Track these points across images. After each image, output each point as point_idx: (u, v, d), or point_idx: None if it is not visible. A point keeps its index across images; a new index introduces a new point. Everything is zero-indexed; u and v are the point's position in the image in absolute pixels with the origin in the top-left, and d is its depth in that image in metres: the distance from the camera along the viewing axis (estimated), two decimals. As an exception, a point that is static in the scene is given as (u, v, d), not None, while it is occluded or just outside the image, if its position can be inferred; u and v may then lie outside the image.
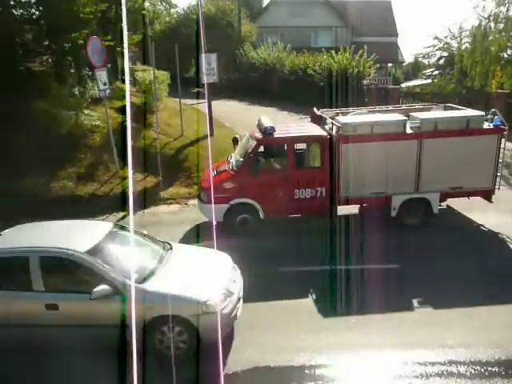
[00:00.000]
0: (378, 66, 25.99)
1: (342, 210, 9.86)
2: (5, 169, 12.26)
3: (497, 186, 9.72)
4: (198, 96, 21.85)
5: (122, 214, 10.99)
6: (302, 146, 10.33)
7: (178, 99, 17.23)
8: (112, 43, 16.61)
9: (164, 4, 39.08)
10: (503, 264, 8.34)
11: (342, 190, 9.50)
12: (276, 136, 9.59)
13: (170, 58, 22.20)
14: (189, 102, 21.85)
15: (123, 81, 20.43)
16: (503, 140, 9.51)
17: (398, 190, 9.53)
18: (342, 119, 9.75)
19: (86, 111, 14.12)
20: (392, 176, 9.37)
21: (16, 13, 15.32)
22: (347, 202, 9.67)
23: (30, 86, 13.90)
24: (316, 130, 10.06)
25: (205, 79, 16.13)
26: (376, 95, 23.38)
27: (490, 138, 9.41)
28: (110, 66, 14.56)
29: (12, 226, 7.09)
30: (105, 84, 12.39)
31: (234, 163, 9.79)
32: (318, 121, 10.58)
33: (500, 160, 9.54)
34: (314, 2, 38.63)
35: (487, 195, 9.87)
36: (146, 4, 31.52)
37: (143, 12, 29.38)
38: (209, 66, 16.04)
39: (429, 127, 9.35)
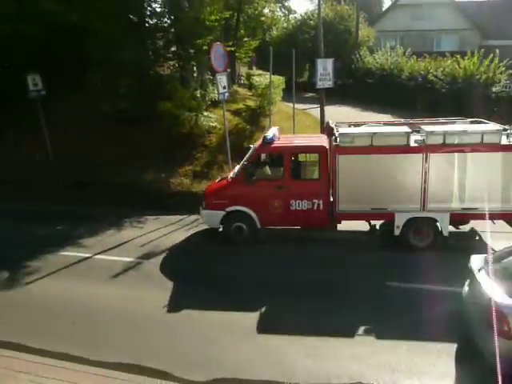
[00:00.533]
0: (510, 72, 23.59)
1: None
2: (134, 164, 13.49)
3: None
4: (312, 101, 21.83)
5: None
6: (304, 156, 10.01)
7: (290, 104, 17.40)
8: (233, 48, 17.33)
9: (283, 10, 39.84)
10: None
11: (339, 203, 8.95)
12: (273, 145, 9.44)
13: (284, 63, 22.59)
14: (301, 106, 21.96)
15: (240, 84, 21.29)
16: None
17: (402, 207, 8.78)
18: (341, 130, 9.16)
19: (206, 113, 14.95)
20: (394, 191, 8.69)
21: (151, 22, 16.74)
22: (346, 216, 9.15)
23: (157, 88, 15.13)
24: (318, 141, 9.58)
25: (319, 84, 16.07)
26: (508, 104, 21.19)
27: (509, 155, 8.26)
28: (229, 70, 15.19)
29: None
30: (224, 88, 12.94)
31: (235, 171, 9.74)
32: (331, 133, 9.58)
33: None
34: (439, 3, 36.41)
35: (509, 219, 8.72)
36: (265, 10, 32.43)
37: (262, 18, 30.27)
38: (324, 71, 15.92)
39: (436, 141, 8.44)
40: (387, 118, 21.41)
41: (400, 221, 8.82)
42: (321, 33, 17.18)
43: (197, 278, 8.14)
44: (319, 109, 17.33)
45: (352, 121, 10.63)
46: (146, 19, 17.04)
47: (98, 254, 9.35)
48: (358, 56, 31.04)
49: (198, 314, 7.00)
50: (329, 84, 15.95)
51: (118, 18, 14.75)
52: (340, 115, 22.02)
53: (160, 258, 9.12)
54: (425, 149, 8.46)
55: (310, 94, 30.20)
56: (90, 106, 15.58)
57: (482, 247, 8.63)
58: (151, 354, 6.06)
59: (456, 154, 8.36)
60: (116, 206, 12.42)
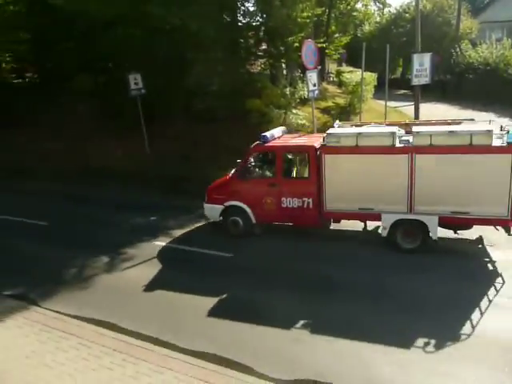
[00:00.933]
0: None
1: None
2: (224, 160, 13.87)
3: None
4: (405, 98, 20.85)
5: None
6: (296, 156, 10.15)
7: (382, 101, 16.79)
8: (324, 45, 17.11)
9: (377, 4, 38.52)
10: None
11: (326, 202, 9.07)
12: (266, 145, 9.70)
13: (376, 59, 21.78)
14: (393, 104, 21.07)
15: (329, 82, 20.94)
16: None
17: (389, 208, 8.65)
18: (330, 130, 9.22)
19: (294, 111, 14.95)
20: (381, 192, 8.59)
21: (243, 21, 17.09)
22: (334, 215, 9.33)
23: (248, 86, 15.41)
24: (310, 141, 9.53)
25: (414, 81, 15.30)
26: None
27: (501, 157, 7.78)
28: (320, 67, 15.02)
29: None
30: (314, 85, 12.82)
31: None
32: None
33: None
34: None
35: (503, 225, 8.25)
36: (358, 5, 31.53)
37: (354, 14, 29.50)
38: (421, 67, 15.12)
39: (422, 141, 8.16)
40: (490, 116, 19.79)
41: (387, 222, 8.72)
42: (418, 26, 16.31)
43: (290, 277, 8.17)
44: (413, 107, 16.48)
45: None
46: (239, 18, 17.44)
47: (189, 246, 9.74)
48: (458, 50, 29.05)
49: (288, 314, 7.01)
50: (425, 80, 15.13)
51: (213, 19, 15.23)
52: (436, 114, 20.81)
53: (252, 253, 9.25)
54: (411, 150, 8.27)
55: (402, 91, 28.93)
56: (184, 103, 16.31)
57: (476, 254, 8.59)
58: (238, 348, 6.18)
59: (444, 155, 8.06)
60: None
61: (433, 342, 6.05)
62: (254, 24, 17.10)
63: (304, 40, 13.48)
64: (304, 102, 15.81)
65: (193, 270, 8.60)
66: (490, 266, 8.21)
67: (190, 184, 13.47)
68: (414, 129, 8.54)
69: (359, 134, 8.60)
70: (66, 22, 16.85)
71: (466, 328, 6.32)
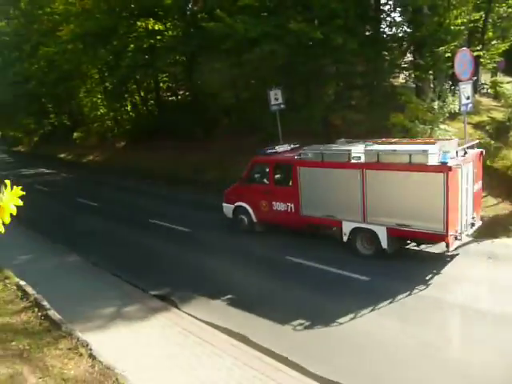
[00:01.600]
0: None
1: None
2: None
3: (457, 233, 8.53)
4: None
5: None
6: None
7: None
8: (481, 53, 15.52)
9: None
10: None
11: (302, 208, 10.42)
12: (263, 157, 11.47)
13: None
14: None
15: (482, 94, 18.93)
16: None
17: (347, 216, 9.63)
18: (309, 147, 10.64)
19: (443, 126, 13.70)
20: (341, 202, 9.66)
21: (388, 32, 16.41)
22: (309, 220, 10.37)
23: (390, 100, 14.67)
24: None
25: None
26: None
27: (435, 176, 8.29)
28: (475, 78, 13.60)
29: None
30: (468, 98, 11.59)
31: None
32: None
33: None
34: None
35: (441, 241, 8.68)
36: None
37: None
38: None
39: (371, 159, 9.13)
40: None
41: (346, 229, 9.70)
42: None
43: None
44: None
45: None
46: (384, 30, 16.80)
47: (322, 264, 9.48)
48: None
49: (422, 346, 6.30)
50: None
51: (356, 32, 14.91)
52: None
53: (390, 277, 8.64)
54: (362, 166, 9.23)
55: None
56: (322, 118, 16.22)
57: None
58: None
59: (387, 171, 8.83)
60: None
61: None
62: (399, 35, 16.29)
63: (457, 49, 12.34)
64: (454, 116, 14.43)
65: (324, 289, 8.29)
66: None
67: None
68: (367, 147, 9.58)
69: (323, 151, 10.03)
70: (215, 43, 18.11)
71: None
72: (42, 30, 28.45)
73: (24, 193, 1.14)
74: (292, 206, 10.74)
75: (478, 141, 10.46)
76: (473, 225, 9.32)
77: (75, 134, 35.13)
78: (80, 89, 33.16)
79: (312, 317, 7.28)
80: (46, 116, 41.43)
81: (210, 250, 10.78)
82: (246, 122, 19.50)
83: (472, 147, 9.53)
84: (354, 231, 9.58)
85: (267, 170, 11.39)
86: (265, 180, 11.55)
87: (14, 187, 1.12)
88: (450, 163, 8.29)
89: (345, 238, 9.72)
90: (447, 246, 8.58)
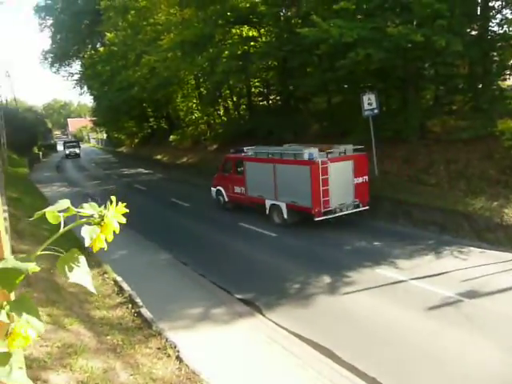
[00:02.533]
0: None
1: None
2: (460, 186, 12.44)
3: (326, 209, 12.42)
4: None
5: None
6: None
7: None
8: None
9: None
10: None
11: (247, 191, 15.03)
12: (230, 155, 16.37)
13: None
14: None
15: None
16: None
17: (268, 196, 14.02)
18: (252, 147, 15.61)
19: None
20: (264, 186, 14.00)
21: (498, 31, 15.03)
22: (252, 199, 14.84)
23: (498, 105, 13.44)
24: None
25: None
26: None
27: (305, 167, 12.46)
28: None
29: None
30: None
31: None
32: None
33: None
34: None
35: (310, 213, 12.44)
36: None
37: None
38: None
39: (278, 156, 13.72)
40: None
41: (267, 205, 13.99)
42: None
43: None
44: None
45: None
46: (492, 29, 15.41)
47: (413, 279, 8.91)
48: None
49: None
50: None
51: (461, 32, 13.86)
52: None
53: (484, 300, 7.89)
54: (273, 161, 13.68)
55: None
56: (418, 123, 15.36)
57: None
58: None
59: (285, 165, 13.25)
60: (436, 230, 11.78)
61: None
62: (511, 33, 14.82)
63: None
64: None
65: (420, 309, 7.74)
66: None
67: (420, 211, 12.52)
68: (278, 149, 14.32)
69: (257, 150, 14.90)
70: (308, 48, 17.98)
71: None
72: (146, 40, 30.42)
73: (128, 210, 1.10)
74: (243, 189, 15.23)
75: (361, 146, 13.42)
76: (356, 206, 13.09)
77: (171, 137, 37.06)
78: (177, 94, 34.94)
79: (407, 339, 6.83)
80: (146, 120, 44.31)
81: (296, 257, 10.67)
82: (337, 127, 19.10)
83: (358, 150, 13.31)
84: (271, 207, 13.90)
85: (232, 163, 16.04)
86: (231, 171, 16.02)
87: (119, 204, 1.09)
88: (316, 160, 12.30)
89: (267, 212, 14.08)
90: (314, 216, 12.41)
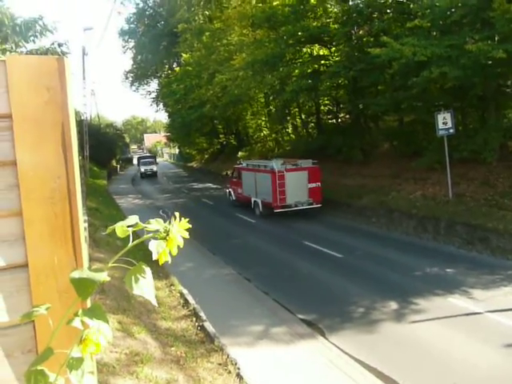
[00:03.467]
0: None
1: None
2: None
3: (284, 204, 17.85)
4: None
5: None
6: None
7: None
8: None
9: None
10: None
11: (243, 191, 20.67)
12: (236, 166, 22.64)
13: None
14: None
15: None
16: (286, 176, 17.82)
17: (252, 195, 19.54)
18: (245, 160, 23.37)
19: None
20: (250, 188, 19.68)
21: None
22: (246, 198, 20.24)
23: None
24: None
25: None
26: None
27: (268, 175, 18.13)
28: None
29: None
30: None
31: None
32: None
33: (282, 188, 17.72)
34: None
35: (272, 206, 17.89)
36: None
37: None
38: None
39: (257, 167, 19.84)
40: None
41: (252, 201, 19.61)
42: None
43: None
44: None
45: None
46: None
47: (490, 311, 8.27)
48: None
49: None
50: None
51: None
52: None
53: None
54: (255, 170, 19.69)
55: None
56: (500, 143, 14.46)
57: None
58: None
59: (260, 173, 19.10)
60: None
61: None
62: None
63: None
64: None
65: (498, 345, 7.15)
66: None
67: (498, 237, 11.68)
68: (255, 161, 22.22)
69: (248, 162, 22.01)
70: (379, 66, 17.67)
71: None
72: (219, 60, 31.54)
73: (190, 226, 1.14)
74: (242, 190, 20.74)
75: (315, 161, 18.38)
76: (310, 204, 17.90)
77: (240, 153, 37.83)
78: (247, 111, 35.75)
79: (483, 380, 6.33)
80: (216, 136, 45.67)
81: (361, 280, 10.34)
82: (408, 147, 18.48)
83: (312, 163, 18.45)
84: (254, 202, 19.39)
85: (237, 172, 21.76)
86: (237, 177, 21.61)
87: (182, 219, 1.14)
88: (275, 170, 17.83)
89: (252, 206, 19.42)
90: (274, 209, 17.74)
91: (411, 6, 17.42)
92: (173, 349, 5.42)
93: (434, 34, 16.13)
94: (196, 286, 9.60)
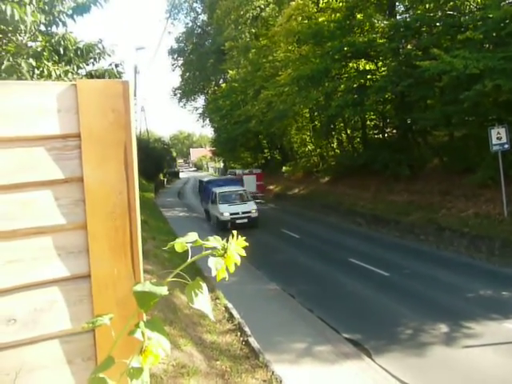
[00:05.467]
0: None
1: None
2: None
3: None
4: None
5: None
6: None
7: None
8: None
9: None
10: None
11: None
12: (237, 173, 33.25)
13: None
14: None
15: None
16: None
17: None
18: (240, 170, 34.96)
19: None
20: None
21: None
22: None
23: None
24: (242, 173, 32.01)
25: None
26: None
27: (238, 177, 30.77)
28: None
29: None
30: None
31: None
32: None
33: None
34: None
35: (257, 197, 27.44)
36: None
37: None
38: None
39: (241, 173, 31.94)
40: None
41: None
42: None
43: None
44: None
45: None
46: None
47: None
48: None
49: None
50: None
51: None
52: None
53: None
54: (241, 174, 31.15)
55: None
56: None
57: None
58: None
59: (243, 176, 30.75)
60: None
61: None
62: None
63: None
64: None
65: None
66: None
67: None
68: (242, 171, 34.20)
69: (240, 171, 33.52)
70: (428, 80, 17.27)
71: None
72: (264, 76, 31.98)
73: (248, 244, 1.19)
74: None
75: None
76: (256, 193, 28.52)
77: (284, 168, 37.87)
78: (292, 127, 35.84)
79: None
80: (261, 151, 46.05)
81: (409, 300, 10.00)
82: (459, 163, 17.83)
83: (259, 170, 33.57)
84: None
85: (240, 176, 30.10)
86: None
87: (239, 237, 1.19)
88: (239, 174, 32.05)
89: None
90: (258, 198, 27.16)
91: (462, 18, 17.01)
92: (218, 362, 5.45)
93: (487, 46, 15.62)
94: (240, 300, 9.62)
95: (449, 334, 8.26)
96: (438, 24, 18.75)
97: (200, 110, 57.54)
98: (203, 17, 51.69)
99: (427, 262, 12.64)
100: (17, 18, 4.58)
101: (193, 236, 1.34)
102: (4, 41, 5.70)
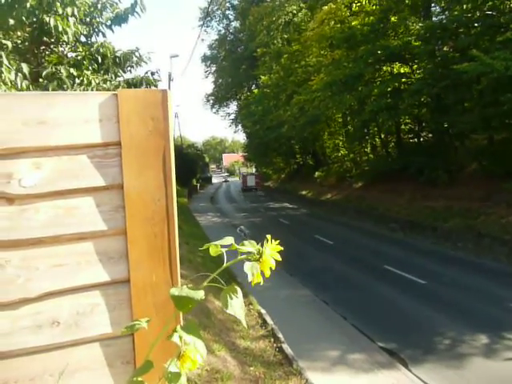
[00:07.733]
0: None
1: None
2: None
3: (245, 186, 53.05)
4: None
5: None
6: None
7: None
8: None
9: None
10: None
11: (243, 184, 54.59)
12: (243, 173, 63.53)
13: None
14: None
15: None
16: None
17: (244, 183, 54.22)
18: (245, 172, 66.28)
19: None
20: (246, 181, 55.94)
21: None
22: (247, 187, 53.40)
23: None
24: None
25: None
26: None
27: (240, 176, 72.78)
28: None
29: None
30: None
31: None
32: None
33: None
34: None
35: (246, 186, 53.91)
36: None
37: None
38: None
39: (245, 174, 62.40)
40: None
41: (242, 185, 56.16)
42: None
43: None
44: None
45: None
46: None
47: None
48: None
49: None
50: None
51: None
52: None
53: None
54: (245, 175, 59.27)
55: None
56: None
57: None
58: None
59: (245, 176, 58.82)
60: None
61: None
62: None
63: None
64: None
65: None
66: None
67: None
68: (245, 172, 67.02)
69: (244, 173, 64.22)
70: (466, 83, 16.81)
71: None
72: (297, 81, 31.95)
73: (282, 248, 1.19)
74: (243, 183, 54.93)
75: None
76: (255, 188, 52.30)
77: (316, 173, 37.62)
78: (324, 131, 35.61)
79: None
80: (293, 156, 45.97)
81: (447, 309, 9.69)
82: (500, 167, 17.22)
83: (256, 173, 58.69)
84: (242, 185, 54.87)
85: (242, 176, 57.81)
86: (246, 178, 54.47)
87: (273, 242, 1.19)
88: (241, 174, 67.03)
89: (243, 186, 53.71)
90: (245, 187, 53.96)
91: (501, 18, 16.48)
92: (251, 368, 5.44)
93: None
94: (273, 306, 9.59)
95: (489, 346, 7.94)
96: (476, 25, 18.25)
97: (232, 116, 58.18)
98: (235, 24, 52.33)
99: (466, 270, 12.26)
100: (60, 29, 4.78)
101: (228, 240, 1.35)
102: (47, 52, 5.95)
